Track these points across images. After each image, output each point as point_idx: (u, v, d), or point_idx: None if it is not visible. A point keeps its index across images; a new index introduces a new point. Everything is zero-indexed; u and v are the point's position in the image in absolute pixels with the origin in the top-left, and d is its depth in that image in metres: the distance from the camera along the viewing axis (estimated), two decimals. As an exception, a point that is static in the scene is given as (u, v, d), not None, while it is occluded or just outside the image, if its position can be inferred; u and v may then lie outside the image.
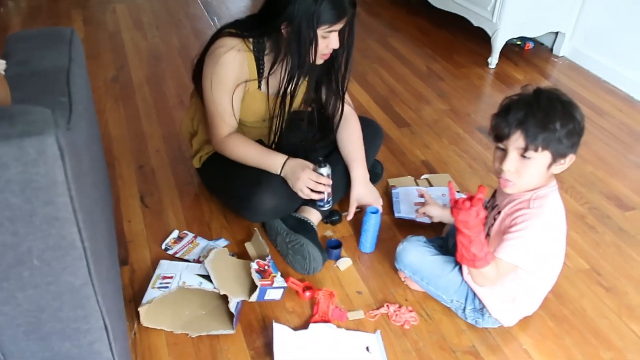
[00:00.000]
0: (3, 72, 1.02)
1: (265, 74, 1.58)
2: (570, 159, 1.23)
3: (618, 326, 1.49)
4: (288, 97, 1.59)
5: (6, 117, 0.78)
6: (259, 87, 1.61)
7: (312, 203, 1.67)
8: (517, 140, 1.19)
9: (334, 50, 1.53)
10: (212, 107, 1.58)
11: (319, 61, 1.54)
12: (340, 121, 1.71)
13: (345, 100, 1.70)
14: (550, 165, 1.22)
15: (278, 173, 1.57)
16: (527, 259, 1.27)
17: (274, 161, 1.58)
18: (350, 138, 1.72)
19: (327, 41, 1.48)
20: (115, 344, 0.99)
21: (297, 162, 1.56)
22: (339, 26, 1.46)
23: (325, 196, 1.59)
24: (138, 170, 1.99)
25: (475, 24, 2.92)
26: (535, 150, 1.18)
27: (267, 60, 1.57)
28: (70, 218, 0.81)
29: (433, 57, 2.95)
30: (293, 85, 1.56)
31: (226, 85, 1.55)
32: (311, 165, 1.55)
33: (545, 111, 1.17)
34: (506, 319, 1.43)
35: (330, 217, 1.76)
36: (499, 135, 1.22)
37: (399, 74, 2.76)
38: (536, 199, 1.26)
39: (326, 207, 1.64)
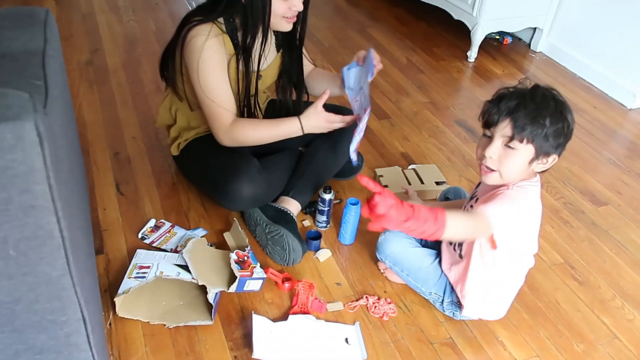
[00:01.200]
0: None
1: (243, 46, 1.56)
2: (553, 159, 1.23)
3: (590, 319, 1.53)
4: (256, 64, 1.57)
5: (-20, 101, 0.75)
6: (237, 67, 1.58)
7: (312, 218, 1.75)
8: (504, 128, 1.19)
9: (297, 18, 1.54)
10: (206, 99, 1.52)
11: (287, 27, 1.53)
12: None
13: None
14: (532, 161, 1.21)
15: (301, 134, 1.56)
16: (501, 220, 1.20)
17: (289, 126, 1.55)
18: (317, 77, 1.79)
19: (289, 3, 1.47)
20: (93, 335, 0.97)
21: (308, 113, 1.55)
22: None
23: (325, 217, 1.70)
24: (113, 157, 1.94)
25: (456, 17, 2.93)
26: (521, 141, 1.18)
27: (241, 37, 1.55)
28: (49, 207, 0.78)
29: (413, 49, 2.96)
30: (260, 49, 1.54)
31: (216, 71, 1.51)
32: (319, 105, 1.54)
33: (537, 104, 1.17)
34: (479, 315, 1.44)
35: (311, 208, 1.75)
36: (488, 122, 1.22)
37: (379, 65, 2.75)
38: (516, 186, 1.25)
39: (325, 226, 1.73)
